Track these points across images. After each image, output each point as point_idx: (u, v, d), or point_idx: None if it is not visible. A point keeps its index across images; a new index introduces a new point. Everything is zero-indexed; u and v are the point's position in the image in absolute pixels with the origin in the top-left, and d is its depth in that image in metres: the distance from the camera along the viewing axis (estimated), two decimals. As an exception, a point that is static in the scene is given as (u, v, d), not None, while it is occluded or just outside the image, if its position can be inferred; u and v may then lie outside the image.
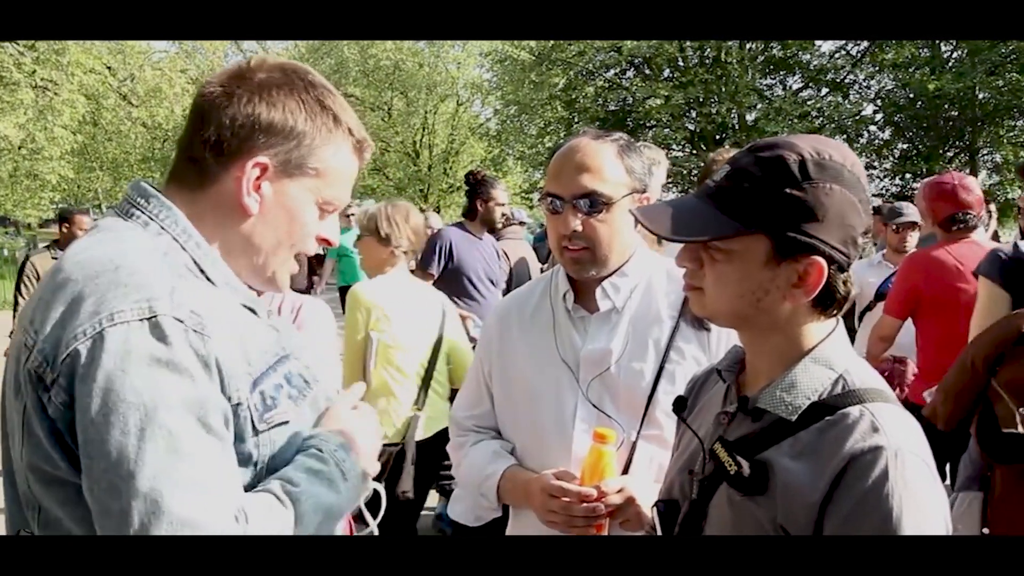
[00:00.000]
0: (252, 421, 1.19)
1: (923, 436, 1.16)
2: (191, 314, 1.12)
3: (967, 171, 20.39)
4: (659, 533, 1.36)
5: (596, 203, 1.76)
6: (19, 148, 21.44)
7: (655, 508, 1.40)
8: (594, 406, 1.81)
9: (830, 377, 1.19)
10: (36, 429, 1.11)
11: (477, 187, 5.25)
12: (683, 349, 1.81)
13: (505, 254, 5.46)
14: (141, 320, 1.08)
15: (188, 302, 1.13)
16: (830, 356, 1.22)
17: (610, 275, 1.86)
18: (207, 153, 1.24)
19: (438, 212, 27.00)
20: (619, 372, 1.81)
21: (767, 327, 1.23)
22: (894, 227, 5.00)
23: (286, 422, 1.25)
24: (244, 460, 1.20)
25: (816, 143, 1.18)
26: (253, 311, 1.28)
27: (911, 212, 4.89)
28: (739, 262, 1.19)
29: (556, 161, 1.84)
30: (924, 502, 1.09)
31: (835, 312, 1.24)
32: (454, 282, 5.01)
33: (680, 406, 1.44)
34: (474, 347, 4.82)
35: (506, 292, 5.37)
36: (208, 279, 1.23)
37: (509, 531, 1.98)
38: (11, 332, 4.07)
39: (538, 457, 1.84)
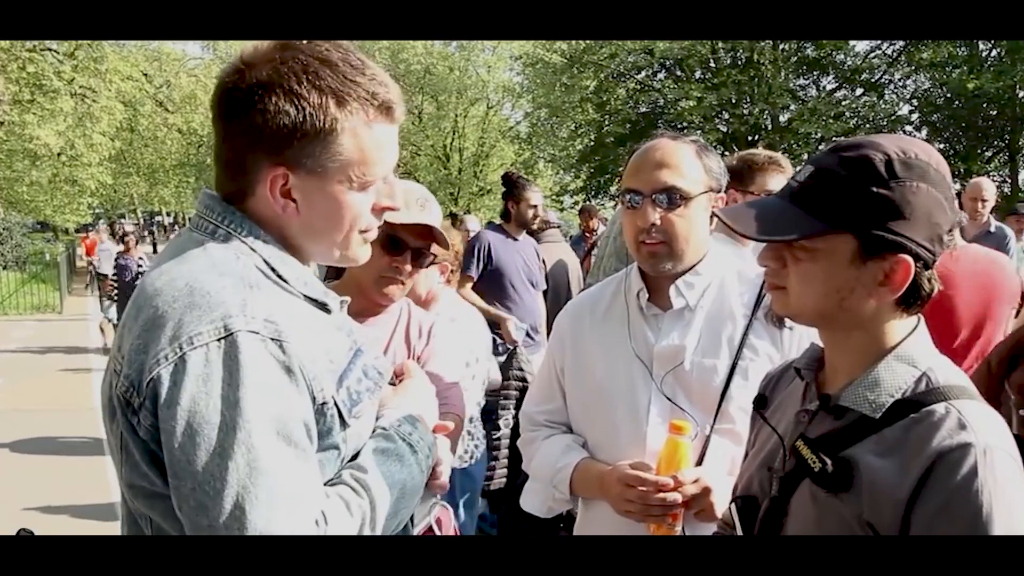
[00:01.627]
0: (341, 416, 1.21)
1: (1010, 434, 1.15)
2: (266, 323, 1.13)
3: (1007, 171, 20.08)
4: (738, 529, 1.35)
5: (674, 198, 1.80)
6: (58, 155, 21.89)
7: (733, 504, 1.40)
8: (668, 399, 1.83)
9: (913, 375, 1.19)
10: (132, 450, 1.15)
11: (510, 188, 5.25)
12: (756, 346, 1.84)
13: (542, 258, 5.44)
14: (219, 340, 1.10)
15: (262, 311, 1.14)
16: (913, 354, 1.21)
17: (684, 273, 1.89)
18: (229, 169, 1.25)
19: (468, 214, 27.13)
20: (692, 368, 1.84)
21: (850, 325, 1.23)
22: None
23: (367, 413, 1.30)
24: (332, 453, 1.23)
25: (901, 142, 1.18)
26: (325, 306, 1.30)
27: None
28: (824, 261, 1.19)
29: (635, 159, 1.89)
30: (1014, 500, 1.08)
31: (918, 309, 1.23)
32: (493, 284, 5.02)
33: (761, 403, 1.45)
34: (505, 351, 4.83)
35: (545, 294, 5.39)
36: (281, 277, 1.23)
37: (579, 523, 2.02)
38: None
39: (612, 451, 1.86)
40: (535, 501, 2.04)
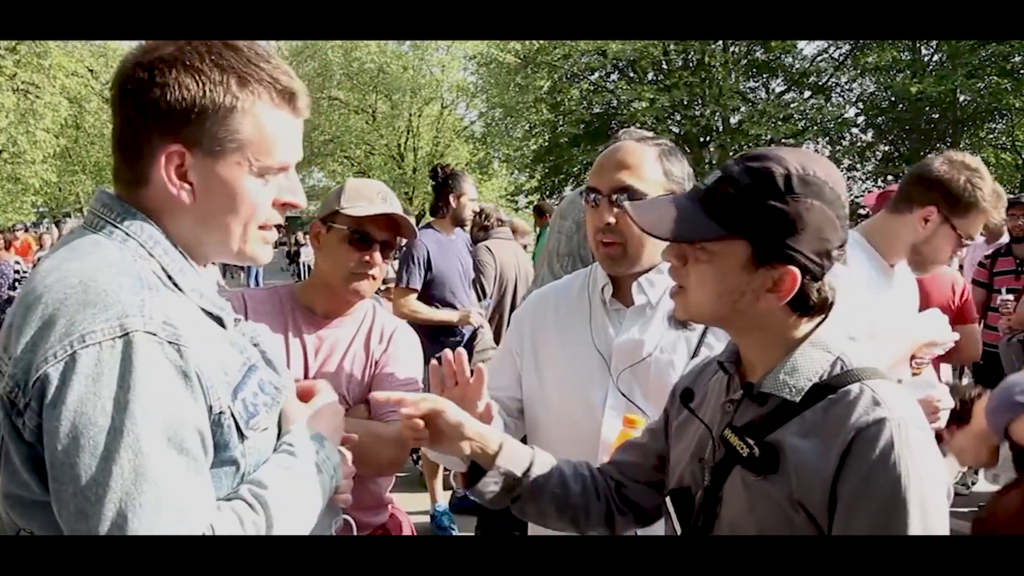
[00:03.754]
0: (238, 427, 1.17)
1: (919, 408, 1.24)
2: (164, 325, 1.09)
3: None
4: (675, 521, 1.39)
5: (632, 199, 1.80)
6: (0, 152, 21.28)
7: (667, 497, 1.43)
8: (624, 395, 1.86)
9: (828, 359, 1.27)
10: (13, 456, 1.09)
11: (448, 181, 4.93)
12: (714, 345, 1.87)
13: (493, 254, 5.32)
14: (113, 339, 1.05)
15: (160, 313, 1.09)
16: (826, 340, 1.29)
17: (645, 272, 1.91)
18: (127, 153, 1.21)
19: (423, 216, 26.99)
20: (651, 364, 1.87)
21: (747, 326, 1.30)
22: None
23: (267, 428, 1.25)
24: (230, 468, 1.19)
25: (804, 159, 1.25)
26: (220, 319, 1.26)
27: None
28: (720, 264, 1.25)
29: (599, 159, 1.92)
30: (928, 469, 1.16)
31: (813, 316, 1.30)
32: (435, 291, 4.83)
33: (687, 396, 1.48)
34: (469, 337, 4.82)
35: (498, 295, 5.29)
36: (176, 286, 1.20)
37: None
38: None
39: (567, 442, 1.86)
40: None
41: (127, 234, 1.19)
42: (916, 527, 1.13)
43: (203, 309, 1.22)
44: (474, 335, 4.91)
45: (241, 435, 1.18)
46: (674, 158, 1.90)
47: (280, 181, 1.27)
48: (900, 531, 1.13)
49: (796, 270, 1.23)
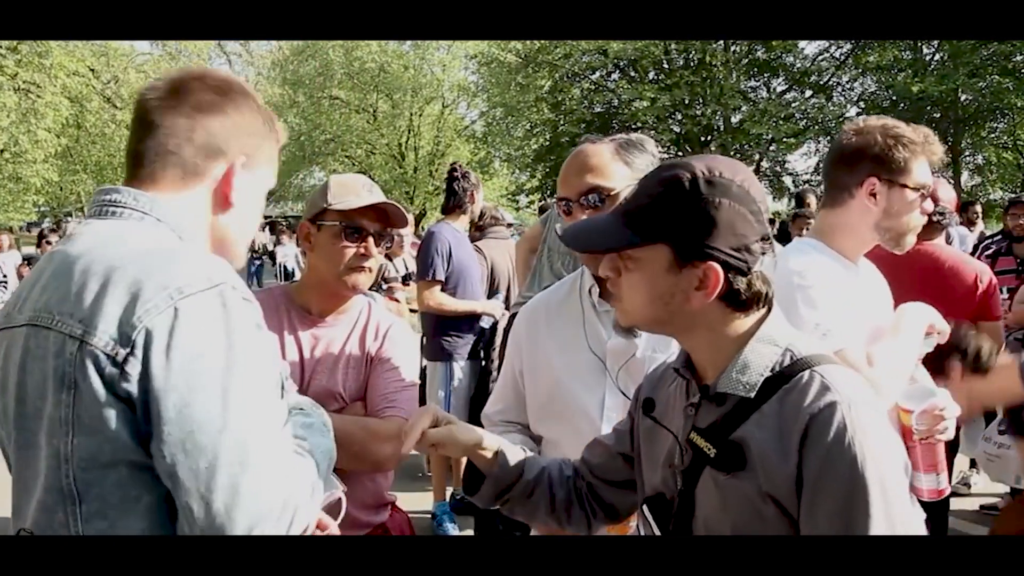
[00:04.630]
0: (282, 386, 1.31)
1: (868, 389, 1.30)
2: (238, 284, 1.23)
3: (950, 172, 20.63)
4: (654, 527, 1.41)
5: (600, 197, 1.85)
6: (1, 151, 21.30)
7: (645, 505, 1.45)
8: (623, 393, 1.87)
9: (777, 352, 1.32)
10: (97, 414, 1.15)
11: (465, 181, 4.98)
12: None
13: (483, 254, 5.26)
14: (207, 290, 1.17)
15: (231, 274, 1.23)
16: (772, 334, 1.34)
17: None
18: (197, 153, 1.34)
19: (424, 215, 27.03)
20: (644, 361, 1.88)
21: (686, 327, 1.36)
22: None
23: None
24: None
25: (710, 162, 1.32)
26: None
27: None
28: (647, 269, 1.32)
29: (562, 170, 1.95)
30: (882, 446, 1.21)
31: (751, 309, 1.34)
32: (457, 284, 4.82)
33: (649, 406, 1.52)
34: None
35: (490, 293, 5.28)
36: None
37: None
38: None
39: (569, 445, 1.89)
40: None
41: (158, 219, 1.30)
42: (877, 503, 1.17)
43: None
44: (494, 328, 4.92)
45: (282, 393, 1.31)
46: (635, 149, 1.92)
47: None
48: (863, 509, 1.17)
49: (716, 265, 1.28)
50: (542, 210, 9.51)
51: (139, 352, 1.13)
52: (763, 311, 1.35)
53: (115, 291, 1.16)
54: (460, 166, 5.12)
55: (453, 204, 5.00)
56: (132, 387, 1.14)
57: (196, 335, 1.14)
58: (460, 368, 4.88)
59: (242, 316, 1.19)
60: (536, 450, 1.98)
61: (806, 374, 1.27)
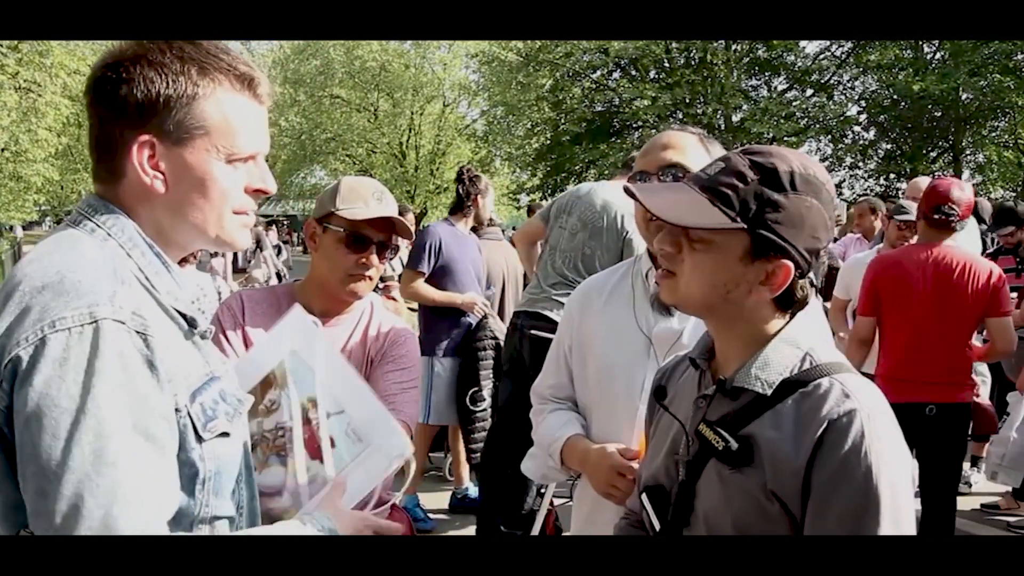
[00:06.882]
0: (195, 429, 1.20)
1: (885, 400, 1.29)
2: (133, 315, 1.13)
3: (951, 171, 20.62)
4: (652, 517, 1.41)
5: (678, 175, 1.88)
6: (2, 151, 21.31)
7: (644, 494, 1.45)
8: None
9: (798, 355, 1.31)
10: None
11: (472, 183, 5.11)
12: None
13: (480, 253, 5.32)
14: (82, 326, 1.09)
15: (130, 304, 1.14)
16: (796, 336, 1.33)
17: None
18: (102, 151, 1.27)
19: (424, 214, 27.02)
20: (690, 347, 1.88)
21: (731, 317, 1.34)
22: (899, 224, 4.99)
23: (227, 433, 1.26)
24: (191, 473, 1.21)
25: (804, 160, 1.31)
26: (194, 320, 1.28)
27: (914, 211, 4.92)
28: (718, 253, 1.28)
29: (644, 148, 2.01)
30: (896, 457, 1.22)
31: (793, 311, 1.35)
32: (443, 279, 4.92)
33: (660, 394, 1.52)
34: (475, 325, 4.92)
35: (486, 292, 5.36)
36: (154, 287, 1.24)
37: (577, 493, 2.12)
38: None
39: (606, 427, 1.94)
40: (533, 467, 2.13)
41: (108, 234, 1.24)
42: (887, 512, 1.17)
43: (177, 310, 1.26)
44: (480, 324, 4.96)
45: (199, 437, 1.20)
46: (714, 145, 1.97)
47: (250, 169, 1.32)
48: (873, 516, 1.17)
49: (790, 264, 1.27)
50: (531, 210, 9.52)
51: (6, 384, 1.09)
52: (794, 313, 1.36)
53: (6, 317, 1.12)
54: (469, 168, 5.24)
55: (456, 205, 5.15)
56: (3, 417, 1.10)
57: (49, 372, 1.06)
58: (440, 363, 4.97)
59: (115, 355, 1.09)
60: (585, 425, 2.02)
61: (825, 381, 1.27)
